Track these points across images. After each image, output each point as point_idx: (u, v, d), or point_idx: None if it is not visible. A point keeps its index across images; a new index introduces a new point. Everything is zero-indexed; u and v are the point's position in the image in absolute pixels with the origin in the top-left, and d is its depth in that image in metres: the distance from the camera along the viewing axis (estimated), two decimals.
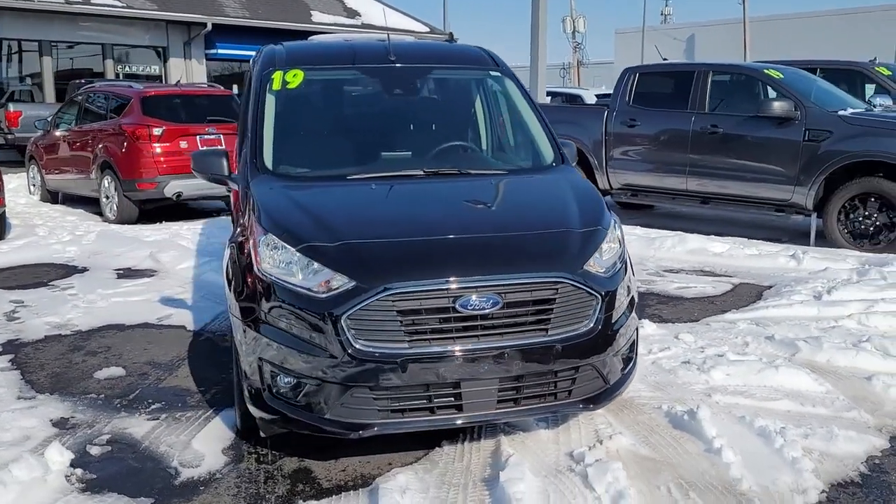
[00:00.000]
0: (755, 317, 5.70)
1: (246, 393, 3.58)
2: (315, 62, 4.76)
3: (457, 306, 3.28)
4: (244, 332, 3.53)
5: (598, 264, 3.58)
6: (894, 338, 5.03)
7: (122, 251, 8.48)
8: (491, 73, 4.99)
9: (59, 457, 3.54)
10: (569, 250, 3.56)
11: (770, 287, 6.71)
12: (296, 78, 4.62)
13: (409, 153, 4.51)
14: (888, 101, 10.21)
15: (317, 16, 25.67)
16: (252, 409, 3.56)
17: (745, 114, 8.70)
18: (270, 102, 4.49)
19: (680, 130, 9.05)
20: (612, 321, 3.55)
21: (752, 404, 4.12)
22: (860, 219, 7.97)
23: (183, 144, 10.43)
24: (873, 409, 4.10)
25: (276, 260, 3.49)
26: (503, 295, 3.33)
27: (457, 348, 3.30)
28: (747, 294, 6.57)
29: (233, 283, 3.74)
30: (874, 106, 9.30)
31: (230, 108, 11.17)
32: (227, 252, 4.08)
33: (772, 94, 8.60)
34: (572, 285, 3.43)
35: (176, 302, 6.49)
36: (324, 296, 3.31)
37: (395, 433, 3.45)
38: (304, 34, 25.90)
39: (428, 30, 27.96)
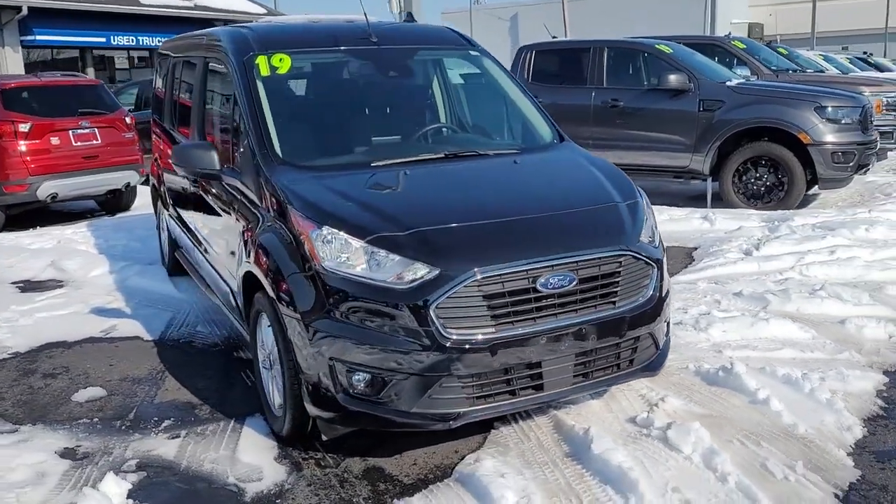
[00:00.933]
0: (708, 276, 6.08)
1: (307, 396, 3.39)
2: (297, 45, 4.51)
3: (537, 286, 3.28)
4: (306, 333, 3.32)
5: (646, 235, 3.70)
6: (841, 284, 5.57)
7: (10, 262, 7.62)
8: (470, 52, 4.96)
9: (117, 488, 3.20)
10: (624, 223, 3.64)
11: (696, 248, 7.17)
12: (283, 63, 4.36)
13: (421, 136, 4.40)
14: (746, 72, 11.16)
15: None
16: (317, 411, 3.38)
17: (642, 87, 9.19)
18: (262, 89, 4.21)
19: (581, 105, 9.41)
20: (664, 288, 3.69)
21: (761, 355, 4.42)
22: (752, 180, 8.68)
23: (54, 141, 9.50)
24: (858, 349, 4.53)
25: (339, 254, 3.31)
26: (577, 272, 3.37)
27: (539, 328, 3.30)
28: (679, 256, 6.97)
29: (277, 283, 3.50)
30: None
31: (101, 98, 10.30)
32: (249, 249, 3.82)
33: (663, 67, 9.12)
34: (633, 257, 3.53)
35: (112, 312, 5.95)
36: (405, 287, 3.19)
37: (482, 419, 3.40)
38: (133, 17, 24.16)
39: (265, 11, 27.04)
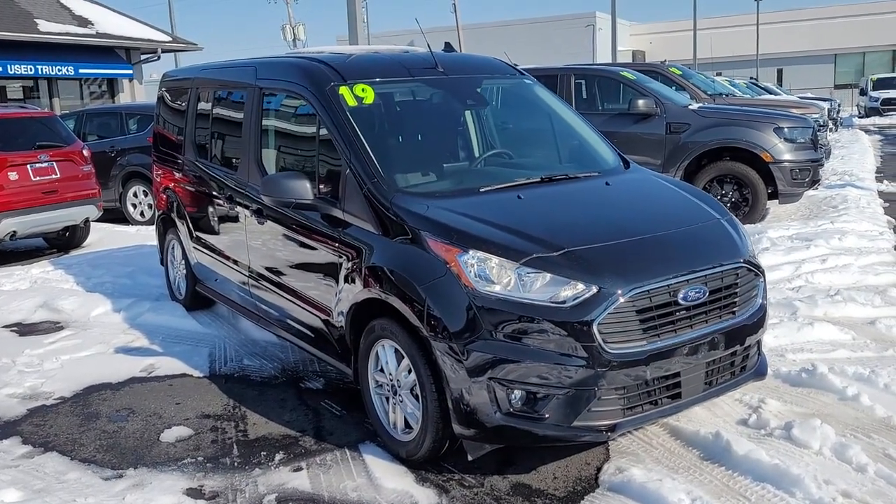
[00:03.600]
0: None
1: (457, 416, 3.44)
2: (374, 76, 4.56)
3: (678, 299, 3.49)
4: (460, 355, 3.38)
5: (750, 248, 3.98)
6: (850, 289, 6.07)
7: None
8: (525, 80, 5.15)
9: None
10: (734, 237, 3.91)
11: None
12: (366, 93, 4.41)
13: (514, 161, 4.54)
14: (686, 97, 11.87)
15: (43, 24, 22.95)
16: (469, 431, 3.44)
17: (610, 112, 9.65)
18: (354, 119, 4.24)
19: None
20: (766, 297, 3.97)
21: (821, 357, 4.79)
22: (718, 197, 9.25)
23: (12, 176, 8.99)
24: None
25: (491, 276, 3.41)
26: (706, 284, 3.60)
27: (680, 339, 3.49)
28: None
29: (417, 308, 3.53)
30: None
31: (57, 130, 9.83)
32: (365, 277, 3.84)
33: (629, 93, 9.62)
34: (747, 268, 3.80)
35: (142, 351, 5.74)
36: (565, 304, 3.32)
37: (634, 429, 3.56)
38: (31, 45, 23.00)
39: (170, 38, 26.34)
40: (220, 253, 5.65)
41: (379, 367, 3.96)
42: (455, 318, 3.43)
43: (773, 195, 9.17)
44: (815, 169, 9.21)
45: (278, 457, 3.96)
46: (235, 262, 5.40)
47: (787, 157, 8.99)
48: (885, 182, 12.69)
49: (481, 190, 4.04)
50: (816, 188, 9.73)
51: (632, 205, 4.12)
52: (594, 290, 3.35)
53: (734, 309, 3.71)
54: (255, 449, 4.07)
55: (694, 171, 9.34)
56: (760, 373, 3.97)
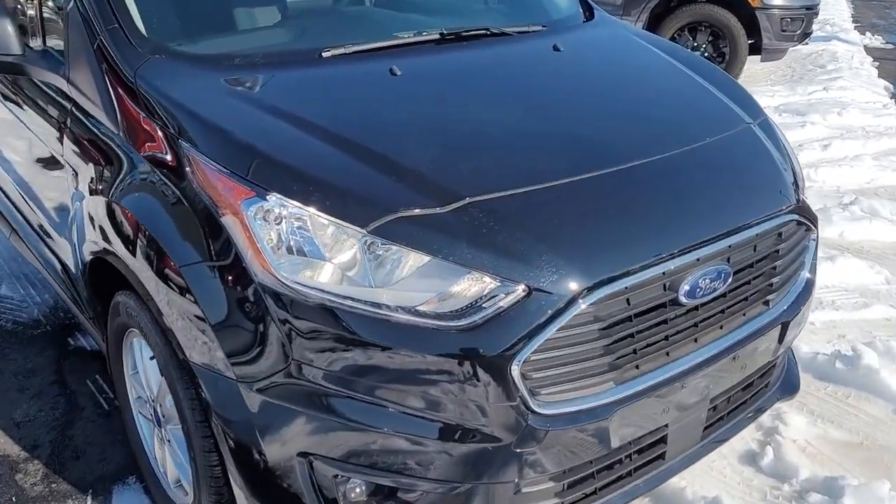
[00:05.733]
0: None
1: (245, 492, 1.78)
2: None
3: (679, 296, 1.79)
4: (244, 401, 1.68)
5: (799, 175, 2.28)
6: (866, 192, 4.51)
7: None
8: None
9: None
10: (776, 162, 2.19)
11: None
12: None
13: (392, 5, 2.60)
14: None
15: None
16: None
17: None
18: None
19: None
20: (816, 262, 2.31)
21: (852, 317, 3.22)
22: (690, 49, 7.41)
23: None
24: None
25: (310, 251, 1.64)
26: (730, 260, 1.90)
27: (679, 366, 1.84)
28: None
29: (169, 296, 1.78)
30: None
31: None
32: (100, 214, 2.04)
33: None
34: (797, 222, 2.10)
35: None
36: (462, 322, 1.60)
37: None
38: None
39: None
40: None
41: (136, 370, 2.25)
42: (232, 332, 1.69)
43: (755, 50, 7.38)
44: (809, 19, 7.38)
45: None
46: None
47: (777, 1, 7.12)
48: (868, 34, 10.95)
49: (323, 55, 2.15)
50: (806, 42, 7.97)
51: (598, 96, 2.29)
52: (520, 290, 1.62)
53: (769, 297, 2.05)
54: None
55: (661, 16, 7.42)
56: (790, 388, 2.39)
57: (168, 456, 2.15)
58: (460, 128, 1.93)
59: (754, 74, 8.12)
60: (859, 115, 6.04)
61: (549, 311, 1.61)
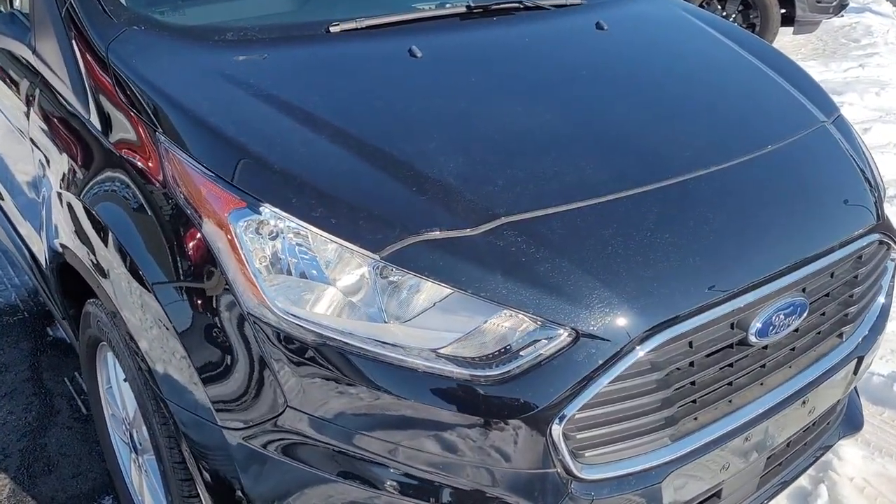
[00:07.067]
0: None
1: None
2: None
3: (750, 335, 1.50)
4: (230, 461, 1.41)
5: (880, 184, 1.97)
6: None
7: None
8: None
9: None
10: (853, 169, 1.88)
11: None
12: None
13: None
14: None
15: None
16: None
17: None
18: None
19: None
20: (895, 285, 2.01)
21: None
22: None
23: None
24: None
25: (313, 275, 1.35)
26: (806, 290, 1.61)
27: (742, 417, 1.56)
28: None
29: (139, 325, 1.51)
30: None
31: None
32: (62, 212, 1.75)
33: None
34: (879, 242, 1.80)
35: None
36: (495, 373, 1.31)
37: None
38: None
39: None
40: None
41: (111, 385, 1.98)
42: (215, 370, 1.41)
43: (787, 21, 6.99)
44: None
45: None
46: None
47: None
48: None
49: (331, 29, 1.83)
50: (842, 15, 7.55)
51: (650, 88, 1.96)
52: (565, 334, 1.33)
53: (843, 328, 1.76)
54: None
55: None
56: (854, 425, 2.12)
57: (146, 487, 1.89)
58: (492, 128, 1.62)
59: (784, 48, 7.70)
60: None
61: (600, 361, 1.32)
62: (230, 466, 1.43)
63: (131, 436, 1.88)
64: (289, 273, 1.36)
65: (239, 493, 1.43)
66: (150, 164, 1.52)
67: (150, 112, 1.54)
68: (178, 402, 1.46)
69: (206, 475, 1.46)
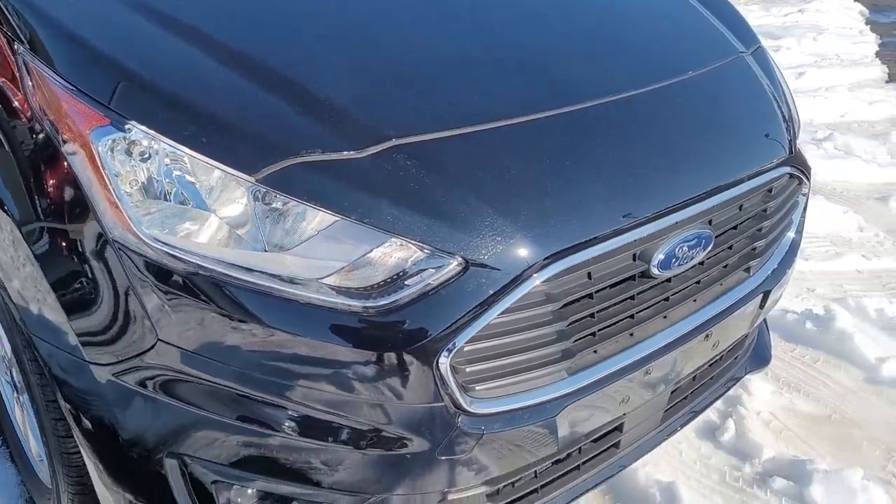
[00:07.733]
0: None
1: (104, 481, 1.44)
2: None
3: (651, 266, 1.46)
4: (96, 386, 1.33)
5: (794, 116, 1.94)
6: (840, 127, 4.21)
7: None
8: None
9: None
10: (770, 101, 1.83)
11: None
12: None
13: None
14: None
15: None
16: None
17: None
18: None
19: None
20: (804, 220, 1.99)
21: (821, 268, 2.97)
22: None
23: None
24: None
25: (180, 202, 1.25)
26: (713, 222, 1.57)
27: (644, 349, 1.52)
28: None
29: (5, 260, 1.40)
30: None
31: None
32: None
33: None
34: (789, 174, 1.77)
35: None
36: (380, 303, 1.24)
37: None
38: None
39: None
40: None
41: None
42: (80, 303, 1.31)
43: None
44: None
45: None
46: None
47: None
48: None
49: None
50: None
51: (562, 12, 1.87)
52: (454, 263, 1.26)
53: (751, 262, 1.73)
54: None
55: None
56: (761, 360, 2.12)
57: (28, 428, 1.80)
58: (393, 50, 1.52)
59: None
60: (835, 41, 5.71)
61: (491, 291, 1.26)
62: (102, 404, 1.34)
63: (11, 375, 1.77)
64: (165, 199, 1.26)
65: (112, 432, 1.35)
66: (11, 78, 1.39)
67: (7, 18, 1.40)
68: (44, 337, 1.36)
69: (78, 413, 1.38)
